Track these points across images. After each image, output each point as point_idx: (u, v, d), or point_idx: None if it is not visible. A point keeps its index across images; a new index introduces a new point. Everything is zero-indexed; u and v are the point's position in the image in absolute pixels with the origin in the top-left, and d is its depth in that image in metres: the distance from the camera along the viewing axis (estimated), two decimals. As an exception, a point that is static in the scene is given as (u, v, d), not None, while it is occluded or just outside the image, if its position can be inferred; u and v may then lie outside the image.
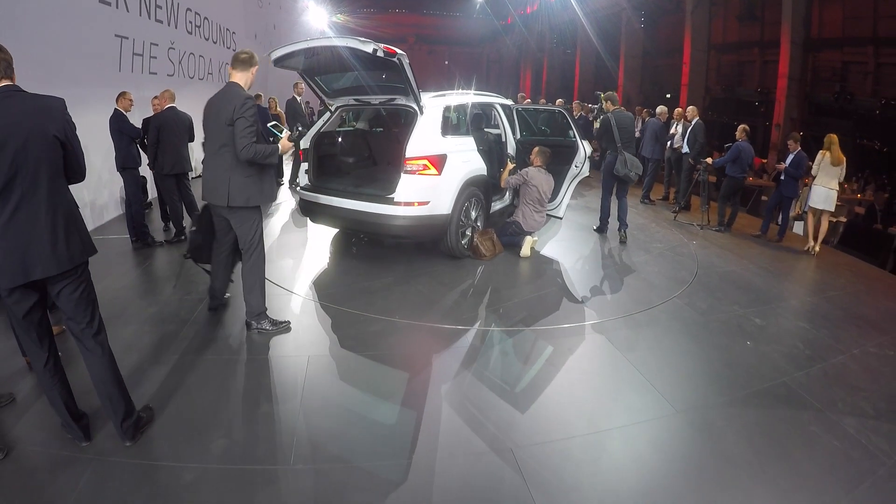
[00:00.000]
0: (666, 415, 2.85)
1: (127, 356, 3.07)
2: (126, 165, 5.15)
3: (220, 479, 2.25)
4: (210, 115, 3.23)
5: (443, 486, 2.28)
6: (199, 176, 3.86)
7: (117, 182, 5.91)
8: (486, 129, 6.25)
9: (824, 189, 6.08)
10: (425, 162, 4.47)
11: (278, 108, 8.98)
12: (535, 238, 5.38)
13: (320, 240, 5.60)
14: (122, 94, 5.10)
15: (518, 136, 6.15)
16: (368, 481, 2.29)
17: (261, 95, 8.50)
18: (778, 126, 12.94)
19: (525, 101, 11.86)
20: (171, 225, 5.65)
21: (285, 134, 3.33)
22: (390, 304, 4.02)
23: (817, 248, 6.14)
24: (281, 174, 8.74)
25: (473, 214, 5.13)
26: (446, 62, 32.77)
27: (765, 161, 12.82)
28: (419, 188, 4.46)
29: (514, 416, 2.79)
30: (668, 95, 16.62)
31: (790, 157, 6.34)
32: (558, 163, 5.73)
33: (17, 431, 2.47)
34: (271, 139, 3.37)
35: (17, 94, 2.06)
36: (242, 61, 3.23)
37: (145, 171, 5.66)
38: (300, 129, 3.76)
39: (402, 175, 4.45)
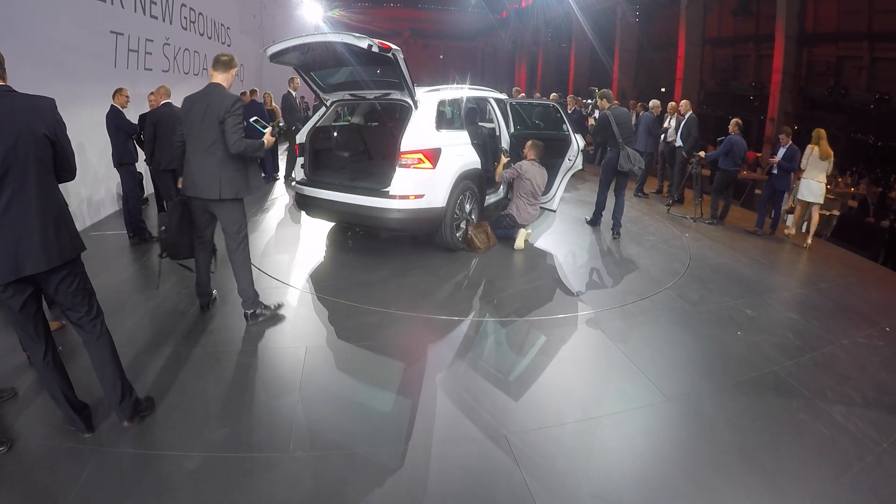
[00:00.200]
0: (657, 402, 2.90)
1: (126, 349, 3.08)
2: (123, 161, 5.18)
3: (222, 467, 2.30)
4: (195, 113, 3.30)
5: (439, 471, 2.34)
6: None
7: (114, 178, 5.93)
8: (480, 124, 6.29)
9: (813, 182, 6.20)
10: (420, 156, 4.51)
11: (273, 104, 8.97)
12: (529, 231, 5.42)
13: (316, 234, 5.63)
14: (118, 91, 5.12)
15: (512, 130, 6.19)
16: (366, 467, 2.34)
17: (256, 90, 8.50)
18: (772, 120, 13.01)
19: (520, 95, 11.88)
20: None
21: (268, 130, 3.51)
22: (386, 296, 4.06)
23: (809, 241, 6.22)
24: (276, 169, 8.76)
25: (468, 207, 5.18)
26: (441, 56, 32.72)
27: (759, 155, 12.90)
28: (414, 182, 4.50)
29: (508, 403, 2.84)
30: (663, 89, 16.65)
31: (782, 151, 6.41)
32: (552, 156, 5.79)
33: (19, 425, 2.50)
34: (256, 135, 3.52)
35: (9, 95, 2.11)
36: (224, 63, 3.37)
37: (142, 167, 5.67)
38: (281, 125, 3.92)
39: (398, 169, 4.49)
